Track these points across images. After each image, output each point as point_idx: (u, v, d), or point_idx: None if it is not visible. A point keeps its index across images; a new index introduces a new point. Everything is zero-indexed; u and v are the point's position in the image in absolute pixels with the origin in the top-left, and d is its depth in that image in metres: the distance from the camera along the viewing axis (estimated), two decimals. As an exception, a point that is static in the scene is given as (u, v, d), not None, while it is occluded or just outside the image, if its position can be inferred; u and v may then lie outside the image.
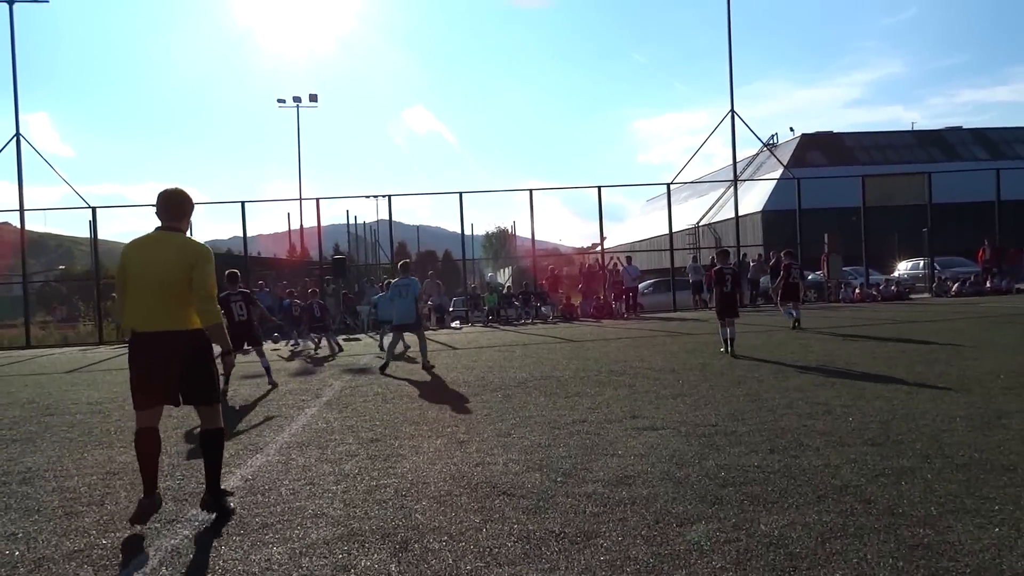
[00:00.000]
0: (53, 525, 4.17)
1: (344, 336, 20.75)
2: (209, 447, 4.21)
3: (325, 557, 3.46)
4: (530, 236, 27.42)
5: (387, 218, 30.13)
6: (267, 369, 10.03)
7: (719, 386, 7.84)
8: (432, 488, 4.53)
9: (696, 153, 31.14)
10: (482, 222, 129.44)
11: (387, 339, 12.67)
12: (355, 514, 4.08)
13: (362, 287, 28.22)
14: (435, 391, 8.75)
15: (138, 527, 3.98)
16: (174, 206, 4.30)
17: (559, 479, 4.55)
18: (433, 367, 10.87)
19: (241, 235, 25.72)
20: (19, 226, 26.02)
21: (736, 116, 26.43)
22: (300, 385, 9.97)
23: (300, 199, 38.41)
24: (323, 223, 26.79)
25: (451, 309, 25.74)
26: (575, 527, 3.68)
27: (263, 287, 24.58)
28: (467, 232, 27.69)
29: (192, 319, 4.13)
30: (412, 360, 12.41)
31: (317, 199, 25.80)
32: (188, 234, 4.48)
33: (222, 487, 4.28)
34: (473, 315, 24.70)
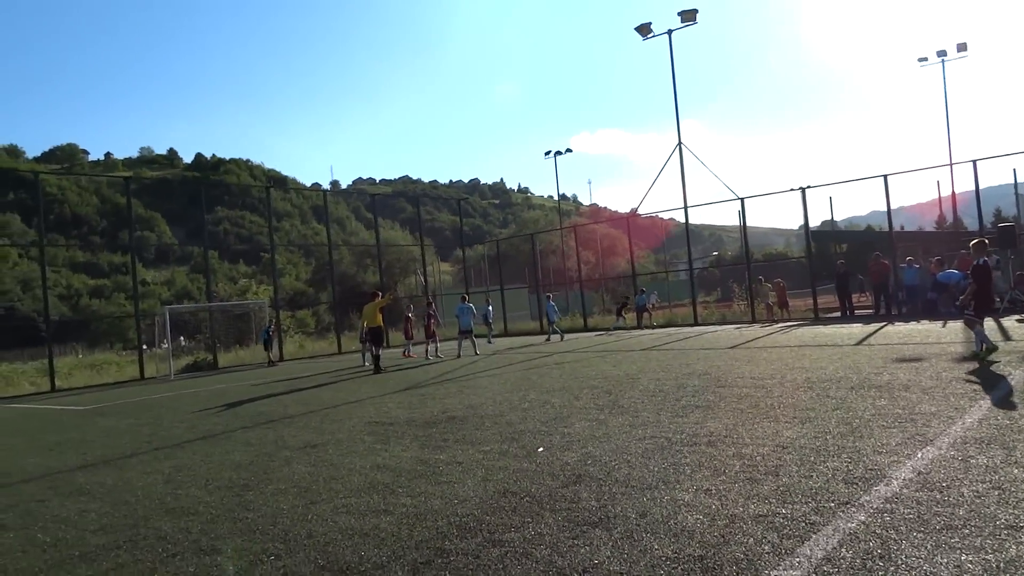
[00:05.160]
0: (738, 487, 4.69)
1: (1018, 316, 17.71)
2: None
3: (1032, 579, 2.99)
4: None
5: (1072, 171, 24.39)
6: None
7: None
8: None
9: None
10: None
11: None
12: (1067, 535, 3.42)
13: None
14: None
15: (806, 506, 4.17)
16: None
17: None
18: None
19: (879, 209, 24.51)
20: (684, 220, 30.30)
21: None
22: (969, 373, 8.90)
23: (951, 164, 34.40)
24: (981, 186, 23.36)
25: None
26: None
27: (912, 263, 22.90)
28: None
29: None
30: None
31: (973, 161, 22.63)
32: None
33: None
34: None
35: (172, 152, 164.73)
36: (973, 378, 8.43)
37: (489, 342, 25.20)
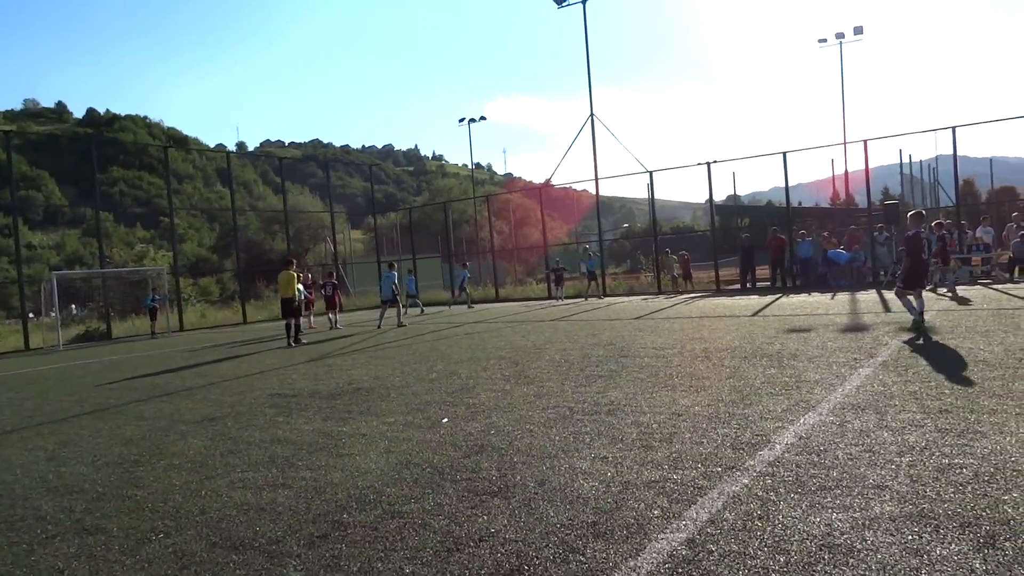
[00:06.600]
0: (633, 455, 4.85)
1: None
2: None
3: (892, 535, 3.23)
4: None
5: (950, 153, 26.12)
6: None
7: None
8: (1026, 479, 3.81)
9: None
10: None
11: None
12: (924, 493, 3.71)
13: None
14: None
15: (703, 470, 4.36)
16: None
17: None
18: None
19: (781, 185, 25.56)
20: (594, 192, 30.75)
21: None
22: (851, 343, 9.48)
23: (844, 143, 36.21)
24: (871, 165, 24.77)
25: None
26: None
27: (804, 236, 24.07)
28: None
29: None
30: (985, 321, 10.61)
31: (864, 141, 23.88)
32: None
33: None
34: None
35: (61, 105, 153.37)
36: (854, 347, 8.98)
37: (469, 307, 26.49)
